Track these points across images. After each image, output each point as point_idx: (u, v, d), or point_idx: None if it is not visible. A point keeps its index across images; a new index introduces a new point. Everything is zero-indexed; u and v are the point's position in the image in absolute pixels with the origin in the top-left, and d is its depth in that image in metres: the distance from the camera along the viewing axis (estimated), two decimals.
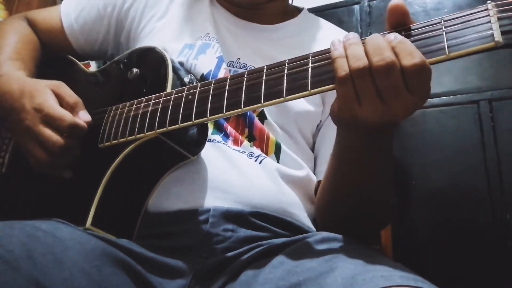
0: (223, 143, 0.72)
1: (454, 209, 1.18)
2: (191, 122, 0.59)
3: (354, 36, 0.52)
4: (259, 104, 0.54)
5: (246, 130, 0.75)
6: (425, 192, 1.20)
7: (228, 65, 0.79)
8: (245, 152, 0.72)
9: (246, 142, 0.73)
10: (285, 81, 0.54)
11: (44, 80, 0.72)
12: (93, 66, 1.34)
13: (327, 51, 0.53)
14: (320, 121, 0.83)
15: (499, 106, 1.20)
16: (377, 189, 0.64)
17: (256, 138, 0.74)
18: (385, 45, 0.48)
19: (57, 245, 0.51)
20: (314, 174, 0.81)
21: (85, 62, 1.26)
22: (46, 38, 0.92)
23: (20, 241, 0.48)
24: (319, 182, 0.80)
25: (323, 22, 0.94)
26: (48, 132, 0.65)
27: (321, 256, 0.53)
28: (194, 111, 0.59)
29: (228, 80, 0.58)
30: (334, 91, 0.52)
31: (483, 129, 1.19)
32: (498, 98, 1.18)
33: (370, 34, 0.51)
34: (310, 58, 0.54)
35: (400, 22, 0.51)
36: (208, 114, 0.58)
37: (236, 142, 0.73)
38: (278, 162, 0.75)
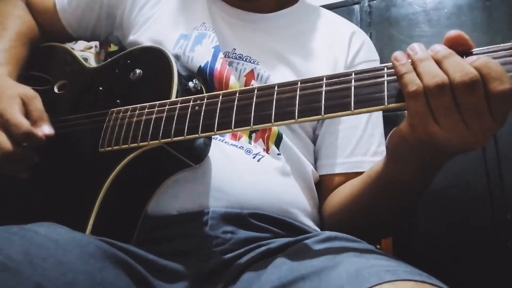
0: (220, 139, 0.71)
1: (454, 209, 1.18)
2: (197, 135, 0.58)
3: (421, 49, 0.49)
4: (269, 124, 0.53)
5: None
6: (425, 192, 1.19)
7: (225, 55, 0.78)
8: (242, 147, 0.71)
9: (244, 137, 0.72)
10: (297, 102, 0.52)
11: (21, 86, 0.72)
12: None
13: (342, 75, 0.52)
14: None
15: None
16: (412, 206, 0.66)
17: (258, 129, 0.73)
18: (466, 63, 0.45)
19: (58, 248, 0.51)
20: (315, 167, 0.80)
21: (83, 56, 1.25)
22: (41, 19, 0.91)
23: (19, 246, 0.48)
24: (320, 176, 0.79)
25: (323, 10, 0.91)
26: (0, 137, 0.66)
27: (324, 255, 0.52)
28: (200, 123, 0.58)
29: (237, 95, 0.57)
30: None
31: None
32: None
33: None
34: (324, 80, 0.52)
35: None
36: (215, 129, 0.57)
37: (234, 136, 0.72)
38: (278, 153, 0.74)
